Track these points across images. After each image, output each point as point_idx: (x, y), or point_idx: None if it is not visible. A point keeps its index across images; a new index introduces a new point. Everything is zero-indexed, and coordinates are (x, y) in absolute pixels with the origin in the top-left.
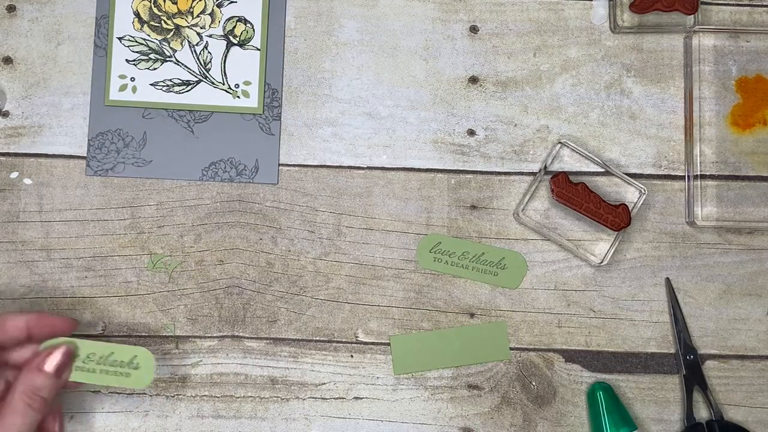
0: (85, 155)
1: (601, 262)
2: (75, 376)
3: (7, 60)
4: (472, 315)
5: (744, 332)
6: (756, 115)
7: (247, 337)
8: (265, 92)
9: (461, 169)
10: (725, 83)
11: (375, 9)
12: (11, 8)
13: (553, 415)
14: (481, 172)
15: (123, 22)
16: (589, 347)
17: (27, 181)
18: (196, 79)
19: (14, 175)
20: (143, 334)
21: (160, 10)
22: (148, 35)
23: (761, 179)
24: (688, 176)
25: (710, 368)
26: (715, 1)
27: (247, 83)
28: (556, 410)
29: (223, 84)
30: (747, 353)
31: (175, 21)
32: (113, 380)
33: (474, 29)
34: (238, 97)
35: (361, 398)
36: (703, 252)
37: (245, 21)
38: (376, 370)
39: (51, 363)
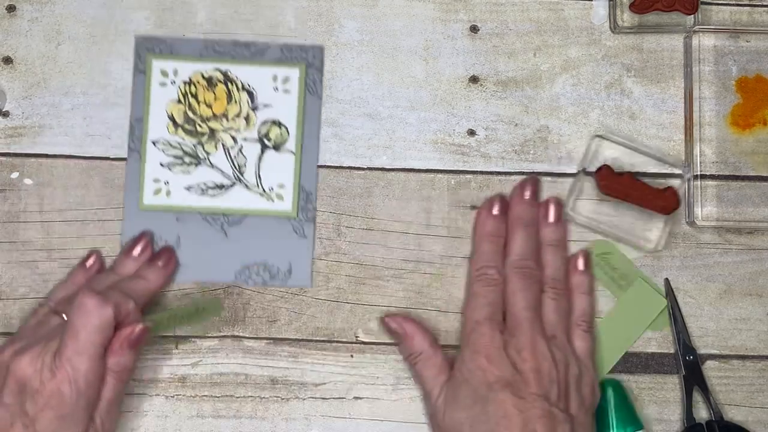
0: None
1: (656, 247)
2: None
3: (7, 60)
4: None
5: (744, 332)
6: (756, 115)
7: (247, 337)
8: (299, 195)
9: (461, 169)
10: (725, 83)
11: (375, 9)
12: (11, 8)
13: None
14: (481, 172)
15: (157, 126)
16: None
17: (27, 181)
18: (231, 182)
19: (14, 175)
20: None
21: (194, 113)
22: (183, 139)
23: (761, 179)
24: (688, 177)
25: (710, 368)
26: (715, 1)
27: (281, 186)
28: None
29: (258, 187)
30: (747, 353)
31: (209, 124)
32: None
33: (474, 29)
34: (272, 200)
35: (361, 398)
36: (703, 252)
37: (280, 124)
38: (377, 370)
39: (132, 335)
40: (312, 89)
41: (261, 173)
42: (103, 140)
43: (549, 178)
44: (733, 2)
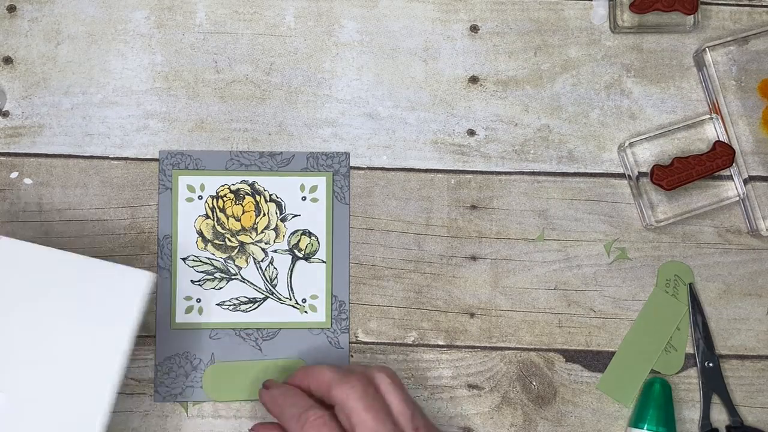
0: (152, 381)
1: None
2: None
3: (7, 60)
4: (472, 315)
5: (744, 332)
6: None
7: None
8: (332, 305)
9: (461, 169)
10: (746, 90)
11: (375, 10)
12: (11, 8)
13: (553, 415)
14: (481, 172)
15: (186, 243)
16: (589, 347)
17: (27, 181)
18: (263, 295)
19: (14, 175)
20: (143, 333)
21: (223, 228)
22: (213, 254)
23: None
24: (740, 184)
25: None
26: (715, 1)
27: (314, 297)
28: (556, 410)
29: (290, 299)
30: (747, 353)
31: (239, 238)
32: None
33: (474, 28)
34: (306, 312)
35: None
36: (703, 252)
37: (310, 234)
38: None
39: None
40: (339, 196)
41: (293, 285)
42: (102, 140)
43: (549, 178)
44: (733, 2)
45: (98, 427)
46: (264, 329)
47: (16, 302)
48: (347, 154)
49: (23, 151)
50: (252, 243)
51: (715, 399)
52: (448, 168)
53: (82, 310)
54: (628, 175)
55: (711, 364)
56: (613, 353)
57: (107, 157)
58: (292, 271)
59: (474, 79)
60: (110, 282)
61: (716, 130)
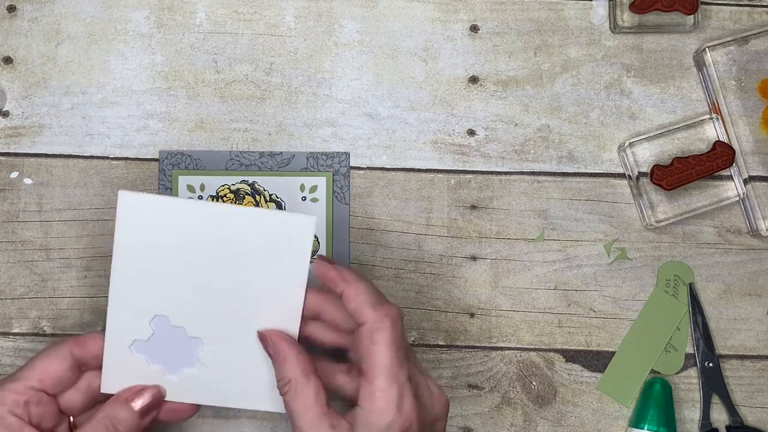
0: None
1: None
2: None
3: (7, 60)
4: (472, 315)
5: (744, 332)
6: None
7: None
8: None
9: (461, 169)
10: (746, 90)
11: (375, 10)
12: (11, 8)
13: (553, 415)
14: (481, 172)
15: None
16: (589, 347)
17: (27, 181)
18: None
19: (14, 175)
20: None
21: None
22: None
23: None
24: (740, 184)
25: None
26: (715, 1)
27: None
28: (556, 410)
29: None
30: (747, 353)
31: None
32: None
33: (474, 28)
34: None
35: None
36: (703, 252)
37: None
38: None
39: (139, 402)
40: (339, 196)
41: None
42: (102, 140)
43: (549, 178)
44: (733, 2)
45: None
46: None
47: (201, 260)
48: (347, 154)
49: (23, 151)
50: None
51: (715, 399)
52: (448, 168)
53: (259, 258)
54: (628, 175)
55: (711, 364)
56: (613, 353)
57: (107, 157)
58: None
59: (474, 79)
60: (277, 230)
61: (716, 130)
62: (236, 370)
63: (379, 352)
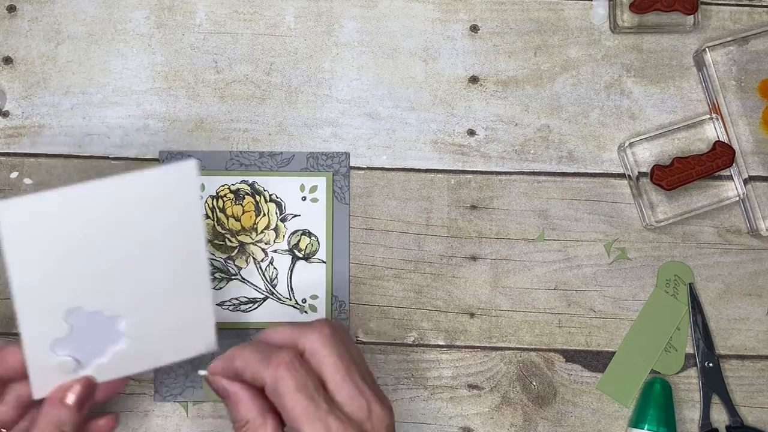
0: (152, 381)
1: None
2: None
3: (7, 60)
4: (472, 315)
5: (744, 332)
6: None
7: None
8: (332, 305)
9: (461, 169)
10: (746, 90)
11: (375, 10)
12: (11, 8)
13: (553, 415)
14: (481, 172)
15: None
16: (589, 347)
17: (27, 181)
18: (263, 296)
19: (14, 175)
20: None
21: (223, 228)
22: (213, 254)
23: None
24: (740, 185)
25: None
26: (715, 1)
27: (313, 297)
28: (556, 410)
29: (290, 300)
30: (747, 353)
31: (239, 238)
32: None
33: (474, 28)
34: (306, 312)
35: None
36: (703, 252)
37: (310, 234)
38: (376, 371)
39: (72, 397)
40: (339, 196)
41: (293, 285)
42: (102, 140)
43: (549, 178)
44: (733, 2)
45: (210, 319)
46: (264, 329)
47: (96, 240)
48: (347, 154)
49: (23, 151)
50: (252, 243)
51: (715, 399)
52: (448, 168)
53: (151, 219)
54: (628, 175)
55: (711, 364)
56: (613, 353)
57: (107, 157)
58: (292, 271)
59: (474, 79)
60: (161, 186)
61: (716, 130)
62: (161, 330)
63: (289, 402)
